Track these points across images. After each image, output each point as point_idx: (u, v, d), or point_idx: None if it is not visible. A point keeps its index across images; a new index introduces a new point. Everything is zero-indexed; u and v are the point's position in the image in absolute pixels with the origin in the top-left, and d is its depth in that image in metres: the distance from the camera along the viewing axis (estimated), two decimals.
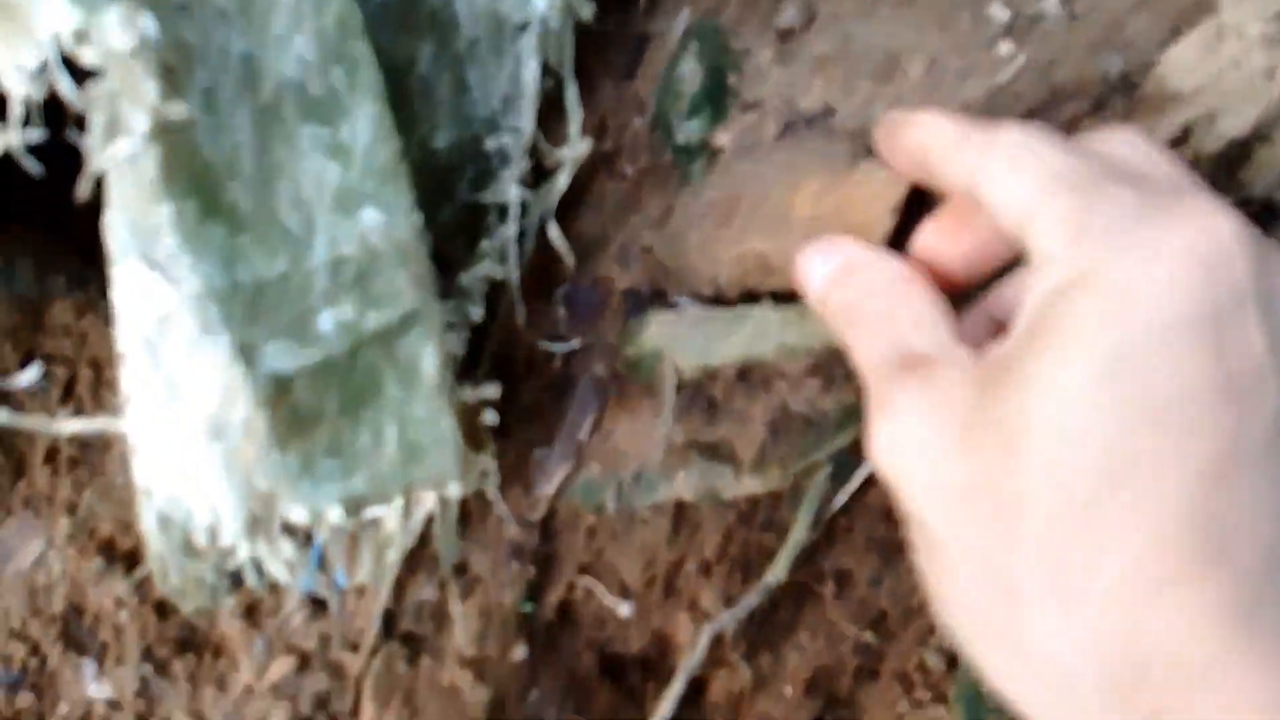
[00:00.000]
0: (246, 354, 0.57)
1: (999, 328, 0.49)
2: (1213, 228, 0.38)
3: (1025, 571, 0.39)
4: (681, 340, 0.81)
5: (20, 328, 0.87)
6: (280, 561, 0.67)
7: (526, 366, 0.87)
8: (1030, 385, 0.39)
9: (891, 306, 0.49)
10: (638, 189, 0.89)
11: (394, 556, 0.75)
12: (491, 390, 0.72)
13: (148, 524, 0.69)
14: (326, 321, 0.60)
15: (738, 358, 0.80)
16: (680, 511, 0.94)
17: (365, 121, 0.63)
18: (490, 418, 0.71)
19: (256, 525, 0.64)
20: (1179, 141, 0.79)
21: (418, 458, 0.64)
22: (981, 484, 0.40)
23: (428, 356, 0.63)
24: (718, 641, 0.95)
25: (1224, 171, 0.78)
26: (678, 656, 0.97)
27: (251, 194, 0.59)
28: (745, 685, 0.99)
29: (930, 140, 0.53)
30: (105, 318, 0.86)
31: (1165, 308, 0.37)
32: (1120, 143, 0.49)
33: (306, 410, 0.60)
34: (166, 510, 0.67)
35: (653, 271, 0.88)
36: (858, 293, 0.51)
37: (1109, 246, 0.39)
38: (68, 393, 0.82)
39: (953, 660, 1.01)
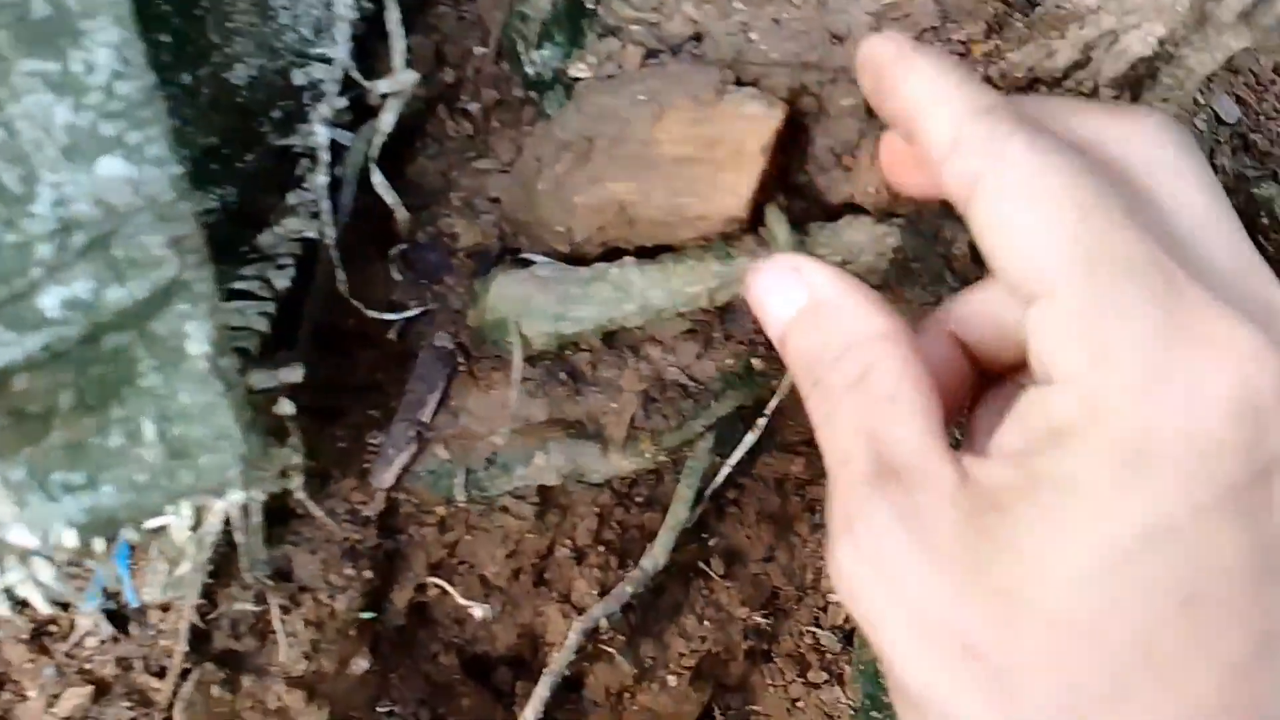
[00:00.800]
0: None
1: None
2: (1253, 371, 0.30)
3: None
4: (532, 304, 0.70)
5: None
6: (37, 587, 0.55)
7: (358, 339, 0.76)
8: (1037, 556, 0.31)
9: (867, 377, 0.37)
10: (483, 129, 0.78)
11: (189, 570, 0.63)
12: (293, 373, 0.60)
13: None
14: (51, 301, 0.48)
15: (596, 322, 0.69)
16: (547, 495, 0.84)
17: (104, 51, 0.50)
18: (285, 407, 0.59)
19: (4, 545, 0.52)
20: (1079, 65, 0.70)
21: (187, 459, 0.52)
22: (975, 648, 0.32)
23: (195, 335, 0.51)
24: (593, 634, 0.86)
25: (1128, 95, 0.70)
26: (550, 653, 0.87)
27: None
28: (626, 678, 0.90)
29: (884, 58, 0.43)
30: None
31: (1199, 477, 0.30)
32: (1148, 144, 0.38)
33: (33, 411, 0.48)
34: None
35: (502, 225, 0.77)
36: (827, 348, 0.39)
37: (1131, 380, 0.31)
38: None
39: (848, 638, 0.94)
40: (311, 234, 0.67)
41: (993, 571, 0.32)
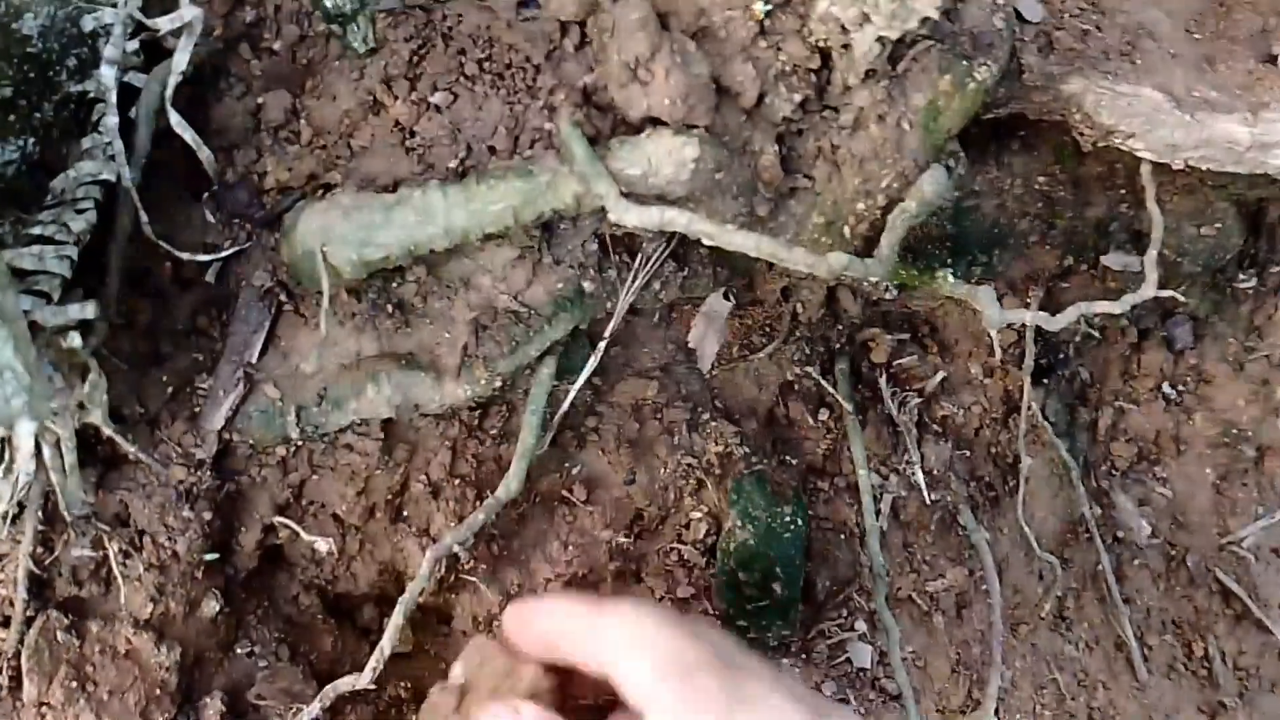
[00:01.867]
0: None
1: None
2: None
3: None
4: (335, 233, 0.71)
5: None
6: None
7: (176, 283, 0.76)
8: None
9: None
10: (289, 65, 0.78)
11: (5, 510, 0.64)
12: (83, 309, 0.60)
13: None
14: None
15: (401, 247, 0.70)
16: (391, 431, 0.85)
17: None
18: (73, 340, 0.60)
19: None
20: None
21: None
22: None
23: None
24: (454, 565, 0.88)
25: None
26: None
27: None
28: (492, 605, 0.92)
29: (560, 627, 0.57)
30: None
31: None
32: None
33: None
34: None
35: (316, 160, 0.78)
36: None
37: None
38: None
39: (711, 552, 0.97)
40: (108, 177, 0.67)
41: None
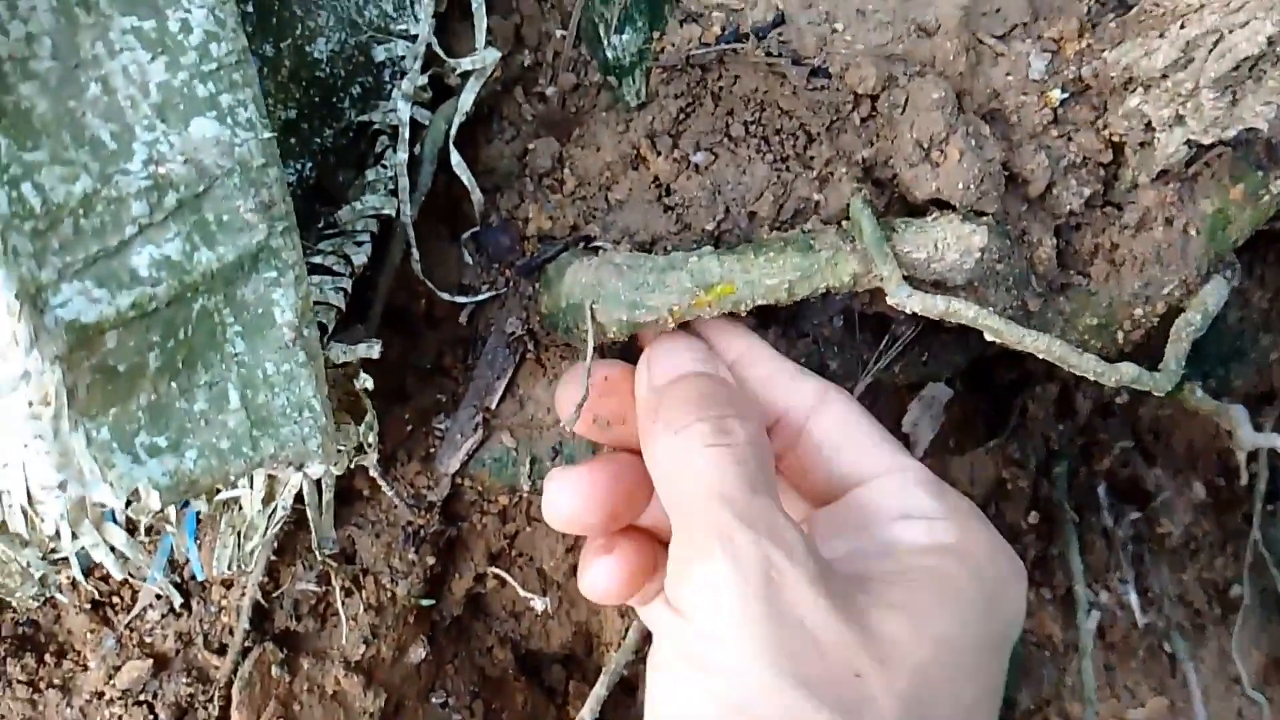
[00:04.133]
0: (33, 296, 0.44)
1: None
2: None
3: None
4: (607, 291, 0.68)
5: None
6: (110, 552, 0.55)
7: (427, 320, 0.75)
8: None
9: (739, 444, 0.55)
10: (559, 112, 0.77)
11: (257, 544, 0.62)
12: (370, 348, 0.59)
13: None
14: (143, 258, 0.47)
15: (671, 312, 0.68)
16: None
17: (200, 11, 0.50)
18: (365, 381, 0.58)
19: (81, 509, 0.51)
20: (1179, 65, 0.68)
21: (269, 428, 0.51)
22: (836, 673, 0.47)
23: (281, 303, 0.50)
24: (648, 637, 0.84)
25: (1230, 96, 0.68)
26: (604, 653, 0.86)
27: (49, 96, 0.47)
28: None
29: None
30: None
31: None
32: None
33: (120, 370, 0.47)
34: None
35: (576, 211, 0.76)
36: (711, 403, 0.59)
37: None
38: None
39: None
40: (389, 211, 0.66)
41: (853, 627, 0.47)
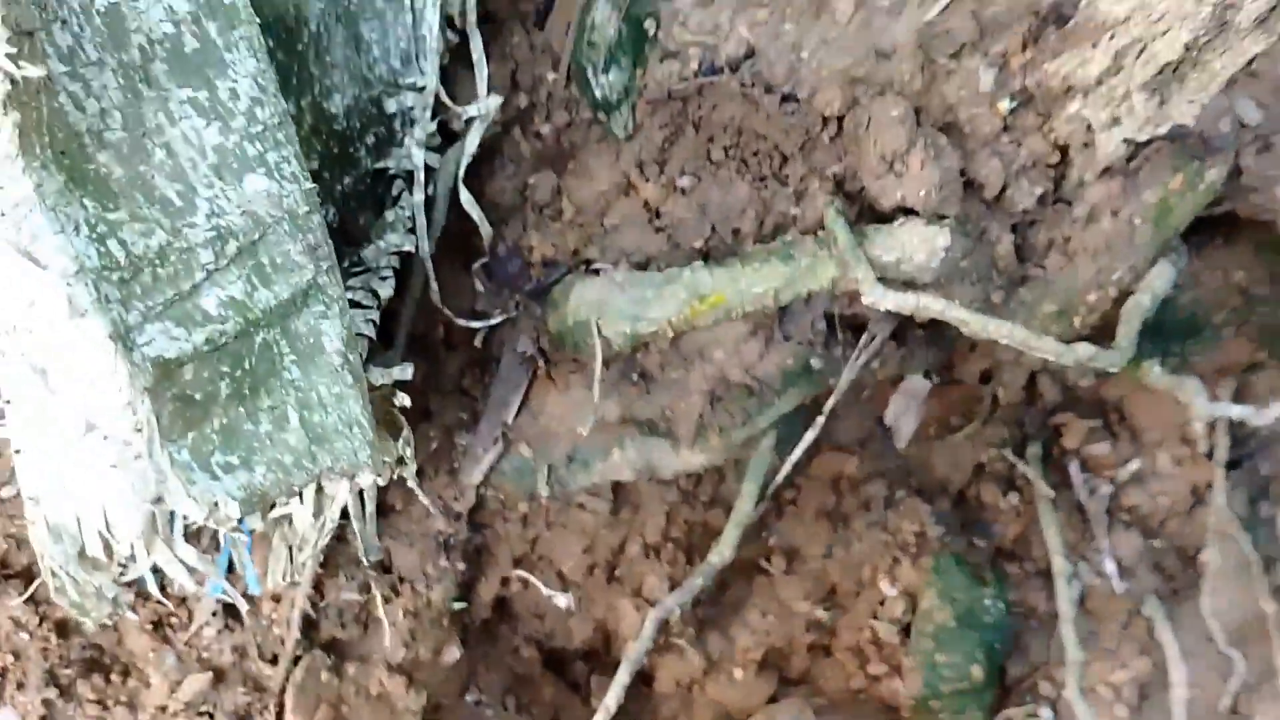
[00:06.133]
0: (123, 337, 0.50)
1: None
2: None
3: None
4: (610, 307, 0.75)
5: None
6: (184, 568, 0.61)
7: (446, 345, 0.81)
8: None
9: None
10: (555, 147, 0.84)
11: (308, 555, 0.68)
12: (404, 371, 0.65)
13: (38, 535, 0.62)
14: (211, 300, 0.54)
15: (670, 322, 0.74)
16: (620, 494, 0.89)
17: (245, 80, 0.56)
18: (403, 400, 0.65)
19: (154, 530, 0.57)
20: (1111, 72, 0.76)
21: (325, 444, 0.58)
22: None
23: (329, 333, 0.57)
24: (664, 628, 0.90)
25: (1159, 98, 0.75)
26: (623, 646, 0.92)
27: (122, 162, 0.53)
28: (695, 671, 0.94)
29: None
30: None
31: None
32: None
33: (197, 398, 0.53)
34: (57, 519, 0.60)
35: (576, 236, 0.83)
36: None
37: None
38: None
39: (906, 630, 0.98)
40: (409, 248, 0.73)
41: None
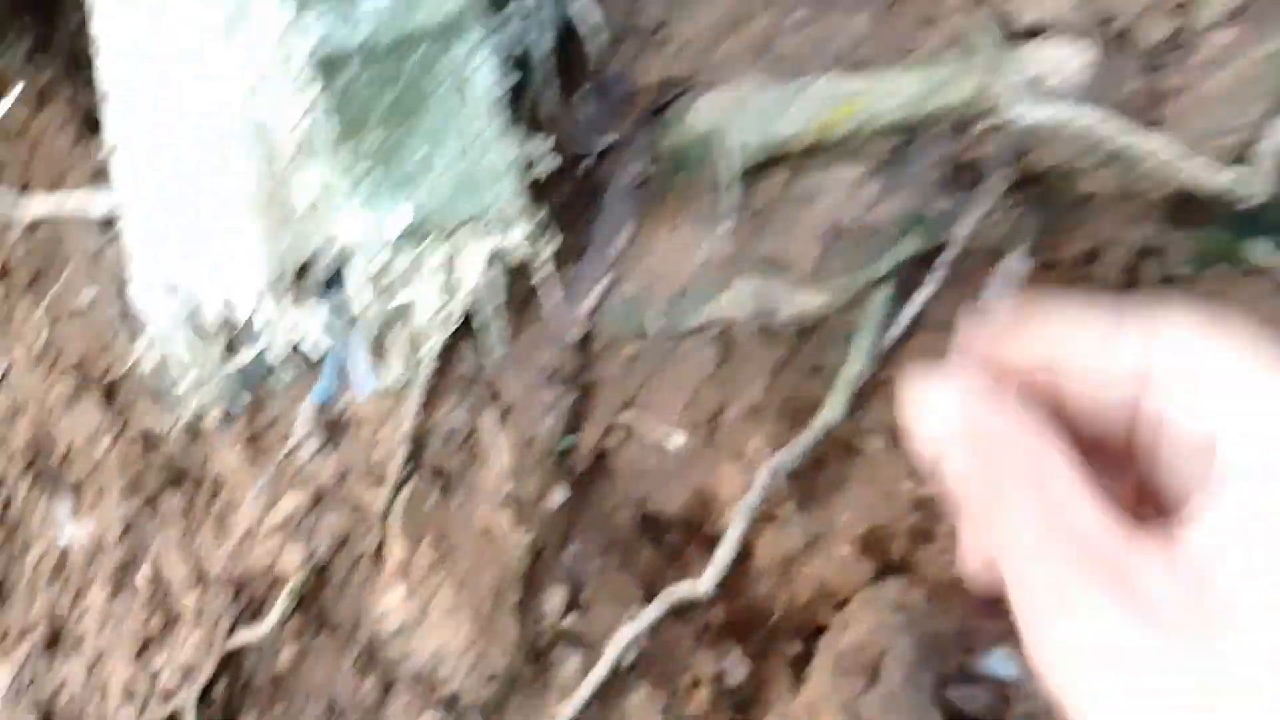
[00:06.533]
0: (293, 24, 0.47)
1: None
2: None
3: None
4: (737, 118, 0.72)
5: None
6: (308, 324, 0.57)
7: (554, 170, 0.78)
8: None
9: (1047, 483, 0.36)
10: None
11: (429, 349, 0.64)
12: (539, 146, 0.62)
13: (144, 296, 0.58)
14: (367, 7, 0.51)
15: (809, 126, 0.71)
16: (727, 343, 0.84)
17: None
18: (546, 166, 0.61)
19: (281, 280, 0.53)
20: None
21: (473, 190, 0.54)
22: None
23: (481, 69, 0.54)
24: (765, 498, 0.86)
25: None
26: (722, 515, 0.87)
27: None
28: (796, 546, 0.90)
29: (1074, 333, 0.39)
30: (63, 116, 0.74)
31: None
32: None
33: (357, 99, 0.50)
34: (173, 276, 0.56)
35: (685, 66, 0.79)
36: (993, 472, 0.37)
37: None
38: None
39: None
40: (532, 37, 0.69)
41: (1217, 647, 0.32)
